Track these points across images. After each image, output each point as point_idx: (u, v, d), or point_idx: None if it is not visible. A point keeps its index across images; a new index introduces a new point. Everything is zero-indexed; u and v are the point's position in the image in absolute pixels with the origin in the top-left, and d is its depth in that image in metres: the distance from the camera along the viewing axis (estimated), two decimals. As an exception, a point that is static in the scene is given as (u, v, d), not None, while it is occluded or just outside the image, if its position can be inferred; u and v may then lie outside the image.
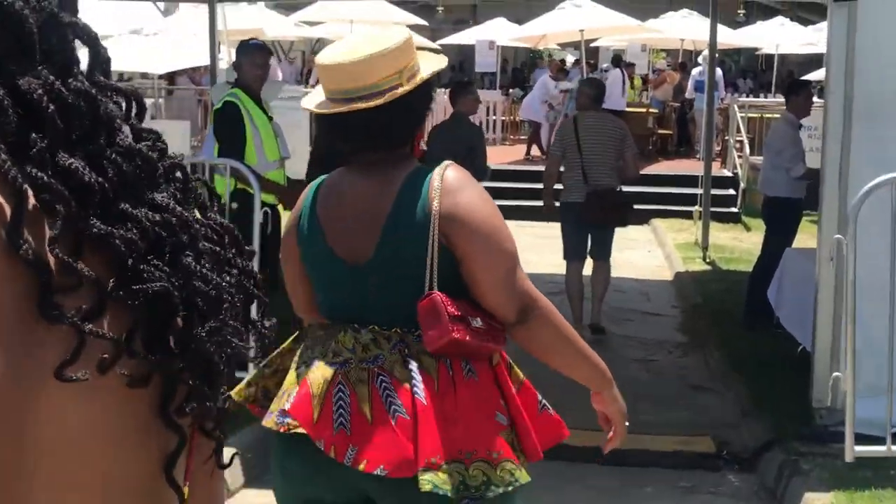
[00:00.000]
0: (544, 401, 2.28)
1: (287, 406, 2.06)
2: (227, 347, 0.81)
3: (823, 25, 20.33)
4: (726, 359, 6.92)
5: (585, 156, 7.21)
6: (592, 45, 23.39)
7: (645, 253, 11.69)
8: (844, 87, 4.74)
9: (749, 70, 30.61)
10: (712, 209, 11.51)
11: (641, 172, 14.93)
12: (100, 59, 0.79)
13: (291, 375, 2.17)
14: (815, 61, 24.45)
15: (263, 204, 5.23)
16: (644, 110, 18.13)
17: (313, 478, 2.15)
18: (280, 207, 5.67)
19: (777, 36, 20.58)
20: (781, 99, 19.06)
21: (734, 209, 13.73)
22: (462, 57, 26.31)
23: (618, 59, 18.53)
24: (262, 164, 5.39)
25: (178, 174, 0.84)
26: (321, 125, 2.43)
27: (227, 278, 0.83)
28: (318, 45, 24.11)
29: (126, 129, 0.80)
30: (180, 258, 0.77)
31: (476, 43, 20.20)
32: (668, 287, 9.84)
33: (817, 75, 17.63)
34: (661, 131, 18.40)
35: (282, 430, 2.08)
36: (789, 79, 25.46)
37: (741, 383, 6.28)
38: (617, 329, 8.01)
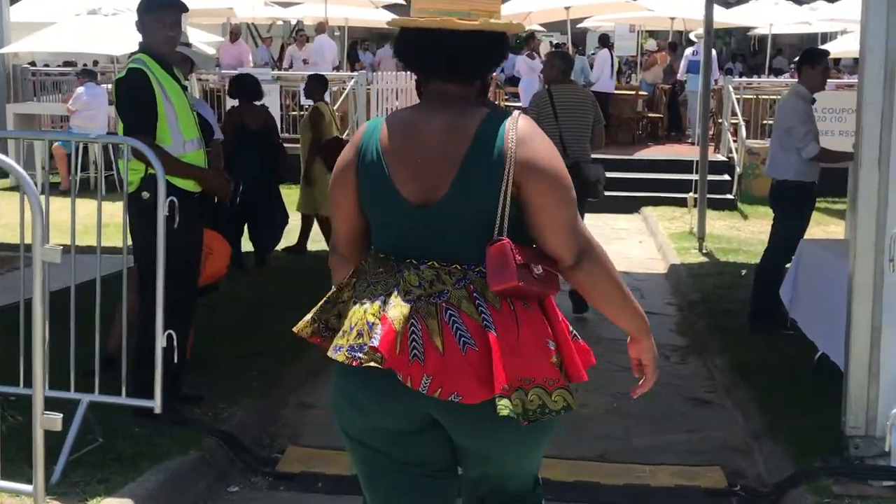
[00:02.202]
0: (574, 331, 2.40)
1: (376, 342, 2.17)
2: None
3: (818, 5, 19.61)
4: (731, 367, 6.04)
5: (563, 128, 7.12)
6: (579, 26, 22.53)
7: (636, 243, 10.88)
8: (886, 42, 3.85)
9: (739, 53, 29.79)
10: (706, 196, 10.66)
11: (631, 157, 14.39)
12: None
13: (357, 311, 2.28)
14: (807, 40, 23.67)
15: (180, 192, 4.31)
16: (633, 93, 17.28)
17: (384, 407, 2.28)
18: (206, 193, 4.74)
19: (771, 15, 19.72)
20: (775, 79, 18.32)
21: (729, 196, 13.00)
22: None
23: (605, 40, 17.61)
24: (178, 144, 4.44)
25: None
26: (406, 43, 2.38)
27: None
28: (297, 25, 23.19)
29: None
30: None
31: (457, 23, 19.21)
32: (662, 282, 8.98)
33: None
34: (650, 115, 17.56)
35: (354, 364, 2.23)
36: (777, 56, 24.75)
37: (751, 398, 5.41)
38: (606, 331, 7.09)
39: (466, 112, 2.30)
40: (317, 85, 9.53)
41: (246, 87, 8.53)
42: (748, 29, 24.68)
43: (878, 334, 4.00)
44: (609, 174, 13.15)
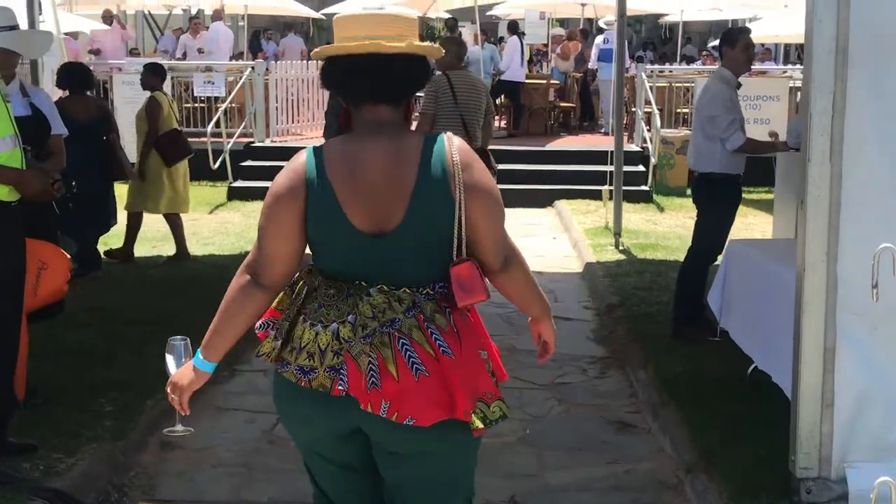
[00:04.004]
0: None
1: (344, 386, 2.34)
2: None
3: (729, -10, 19.29)
4: (655, 382, 5.43)
5: (463, 112, 7.18)
6: (488, 13, 21.94)
7: (549, 240, 10.31)
8: (838, 10, 3.24)
9: (649, 41, 29.59)
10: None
11: (544, 149, 13.82)
12: None
13: (308, 332, 2.40)
14: (717, 27, 23.47)
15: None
16: (545, 82, 16.70)
17: (325, 419, 2.43)
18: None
19: (681, 2, 19.35)
20: (687, 66, 17.93)
21: (644, 187, 12.48)
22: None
23: (514, 26, 16.99)
24: (-13, 141, 3.64)
25: None
26: (334, 71, 2.45)
27: None
28: (197, 14, 22.13)
29: None
30: None
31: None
32: (578, 282, 8.38)
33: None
34: (563, 104, 17.01)
35: (302, 384, 2.39)
36: (687, 44, 24.50)
37: (680, 420, 4.79)
38: (517, 341, 6.44)
39: (404, 138, 2.41)
40: (153, 74, 8.75)
41: (72, 76, 7.94)
42: (659, 16, 24.41)
43: (831, 357, 3.40)
44: (521, 166, 12.72)
